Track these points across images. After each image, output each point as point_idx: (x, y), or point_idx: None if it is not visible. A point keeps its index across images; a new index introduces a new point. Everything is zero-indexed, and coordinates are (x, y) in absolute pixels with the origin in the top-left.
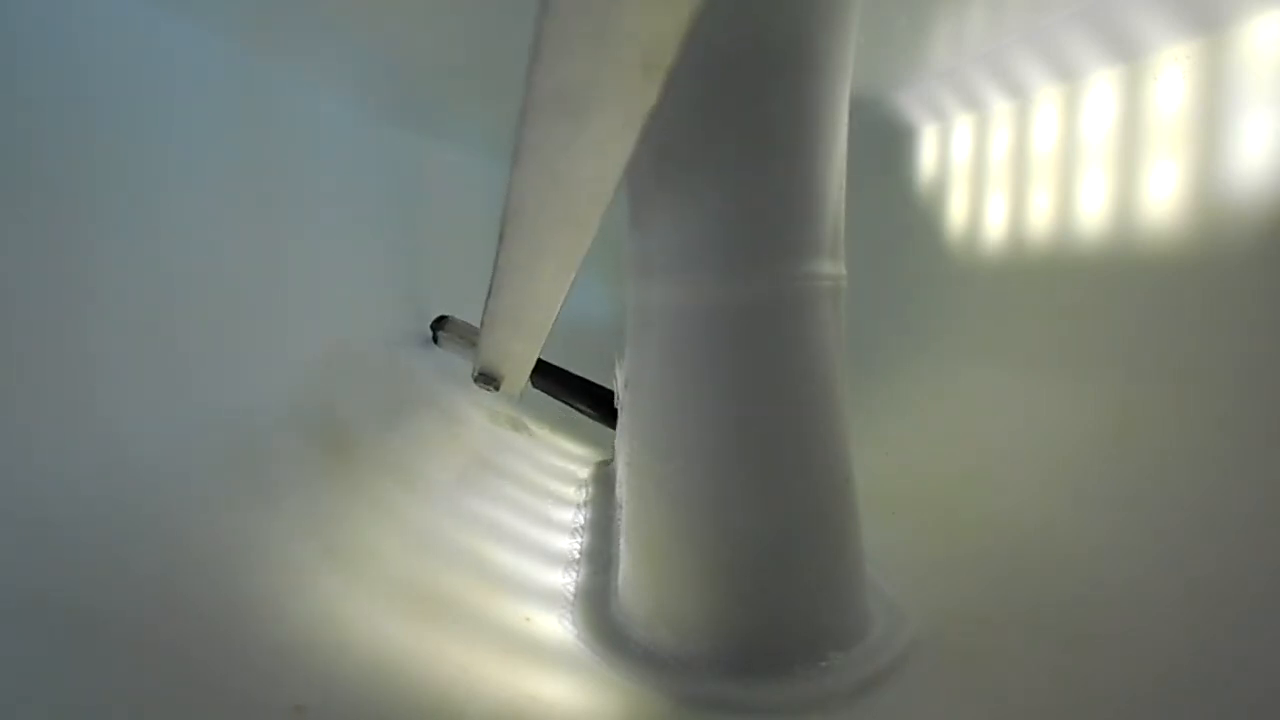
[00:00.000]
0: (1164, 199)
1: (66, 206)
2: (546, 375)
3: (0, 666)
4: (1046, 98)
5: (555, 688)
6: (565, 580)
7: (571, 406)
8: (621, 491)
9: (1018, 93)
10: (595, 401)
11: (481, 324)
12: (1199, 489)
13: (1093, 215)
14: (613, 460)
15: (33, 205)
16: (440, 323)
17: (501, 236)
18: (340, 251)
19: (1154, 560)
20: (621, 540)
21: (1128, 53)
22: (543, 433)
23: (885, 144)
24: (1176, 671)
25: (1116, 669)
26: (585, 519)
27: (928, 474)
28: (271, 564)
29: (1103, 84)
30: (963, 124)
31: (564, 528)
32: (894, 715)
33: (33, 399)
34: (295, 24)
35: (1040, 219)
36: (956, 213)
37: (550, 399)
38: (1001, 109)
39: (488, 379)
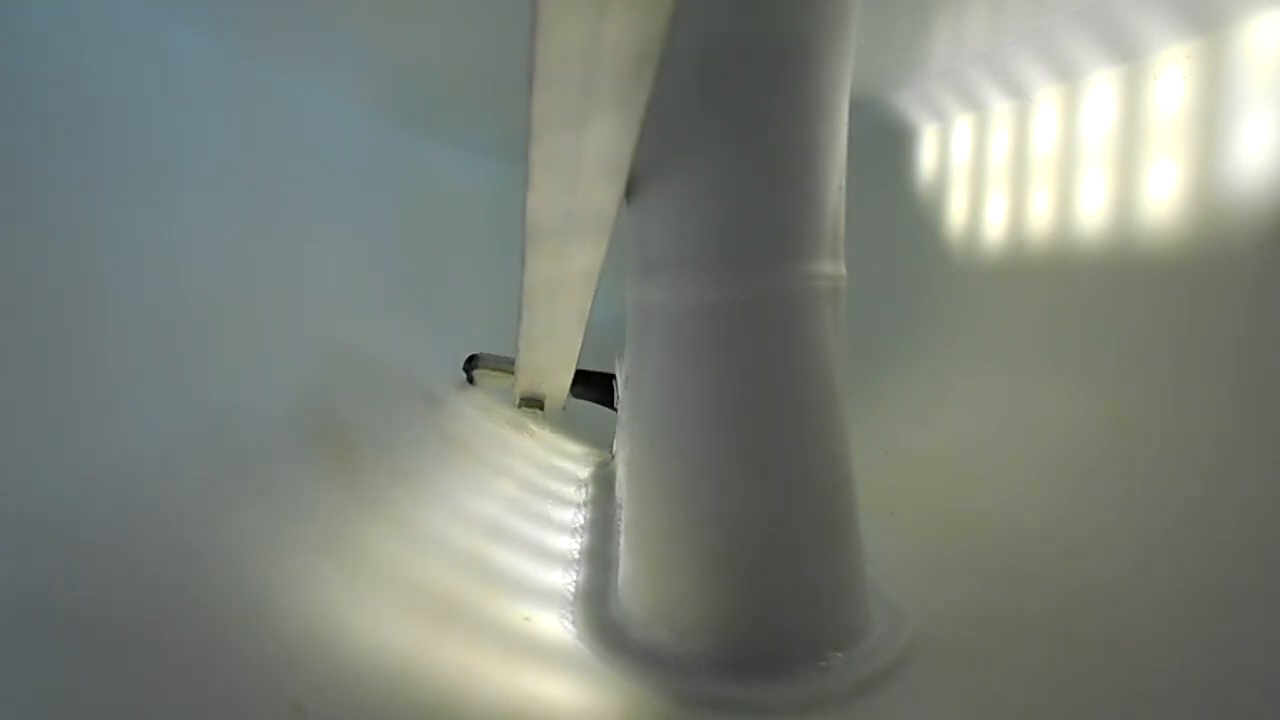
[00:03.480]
0: (1164, 199)
1: (69, 208)
2: (582, 382)
3: (0, 666)
4: (1046, 98)
5: (555, 687)
6: (565, 580)
7: (573, 394)
8: (621, 491)
9: (1018, 93)
10: (595, 389)
11: (517, 349)
12: (1198, 489)
13: (1092, 215)
14: (613, 460)
15: (35, 206)
16: (472, 361)
17: (524, 261)
18: (342, 252)
19: (1153, 560)
20: (621, 540)
21: (1128, 53)
22: (543, 433)
23: (885, 144)
24: (1176, 671)
25: (1116, 669)
26: (585, 519)
27: (927, 474)
28: (271, 564)
29: (1103, 84)
30: (963, 124)
31: (564, 528)
32: (894, 715)
33: (34, 399)
34: (298, 28)
35: (1040, 219)
36: (956, 213)
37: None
38: (1001, 109)
39: (531, 401)
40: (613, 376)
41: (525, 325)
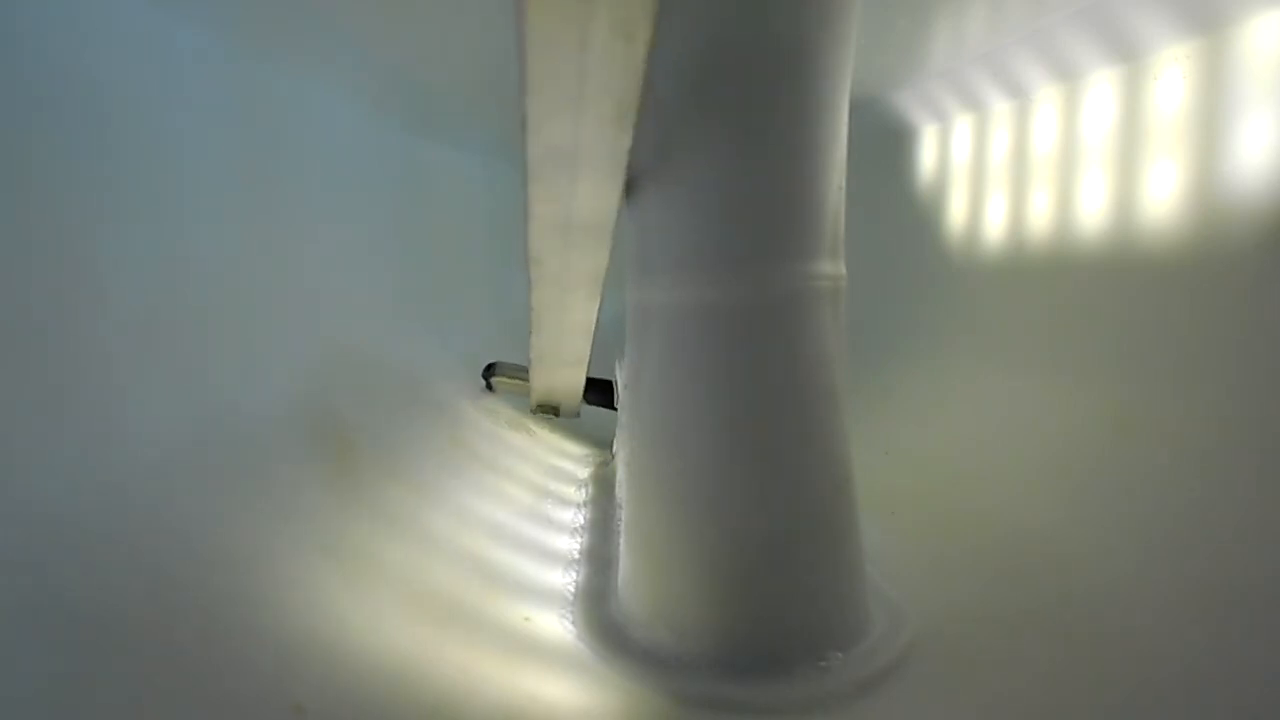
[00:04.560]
0: (1163, 199)
1: (69, 208)
2: (592, 390)
3: (1, 666)
4: (1046, 98)
5: (555, 687)
6: (565, 580)
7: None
8: (621, 491)
9: (1018, 93)
10: (596, 393)
11: (530, 362)
12: (1198, 489)
13: (1092, 215)
14: (613, 460)
15: (35, 206)
16: (490, 370)
17: (530, 283)
18: (342, 252)
19: (1153, 559)
20: (621, 540)
21: (1128, 53)
22: (543, 433)
23: (885, 144)
24: (1175, 670)
25: (1116, 669)
26: (585, 519)
27: (927, 474)
28: (271, 564)
29: (1103, 84)
30: (963, 124)
31: (564, 528)
32: (894, 715)
33: (35, 399)
34: (298, 28)
35: (1040, 219)
36: (956, 213)
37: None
38: (1001, 109)
39: (546, 408)
40: (612, 382)
41: (535, 342)
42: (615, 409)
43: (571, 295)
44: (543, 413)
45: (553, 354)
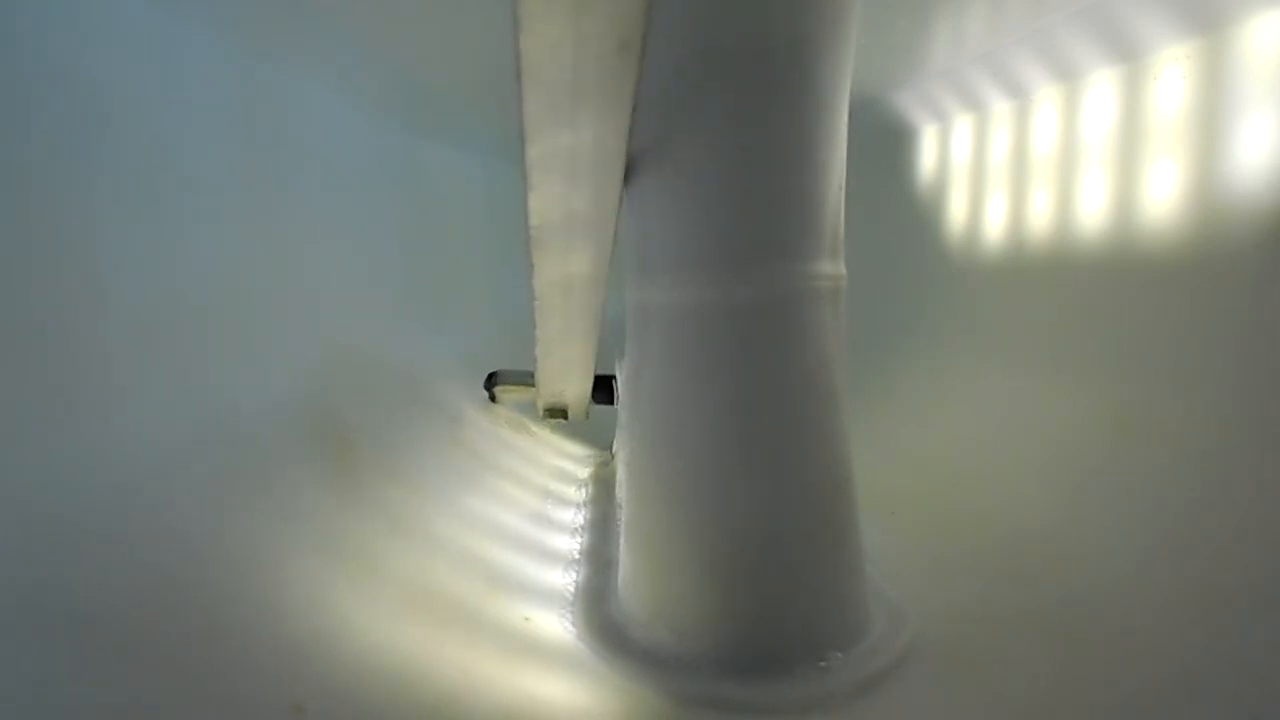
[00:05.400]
0: (1163, 199)
1: (69, 208)
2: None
3: (1, 665)
4: (1046, 98)
5: (555, 687)
6: (565, 580)
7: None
8: (621, 491)
9: (1018, 93)
10: (596, 389)
11: (536, 363)
12: (1197, 488)
13: (1092, 215)
14: (613, 460)
15: (35, 207)
16: (492, 379)
17: (532, 265)
18: (341, 252)
19: (1153, 559)
20: (621, 540)
21: (1128, 53)
22: (543, 433)
23: (885, 144)
24: (1175, 670)
25: (1116, 668)
26: (585, 519)
27: (927, 474)
28: (272, 564)
29: (1103, 84)
30: (963, 124)
31: (564, 528)
32: (894, 715)
33: (35, 399)
34: (299, 28)
35: (1040, 219)
36: (956, 213)
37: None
38: (1001, 109)
39: (555, 411)
40: (612, 378)
41: (541, 332)
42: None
43: (576, 279)
44: (552, 417)
45: (559, 344)
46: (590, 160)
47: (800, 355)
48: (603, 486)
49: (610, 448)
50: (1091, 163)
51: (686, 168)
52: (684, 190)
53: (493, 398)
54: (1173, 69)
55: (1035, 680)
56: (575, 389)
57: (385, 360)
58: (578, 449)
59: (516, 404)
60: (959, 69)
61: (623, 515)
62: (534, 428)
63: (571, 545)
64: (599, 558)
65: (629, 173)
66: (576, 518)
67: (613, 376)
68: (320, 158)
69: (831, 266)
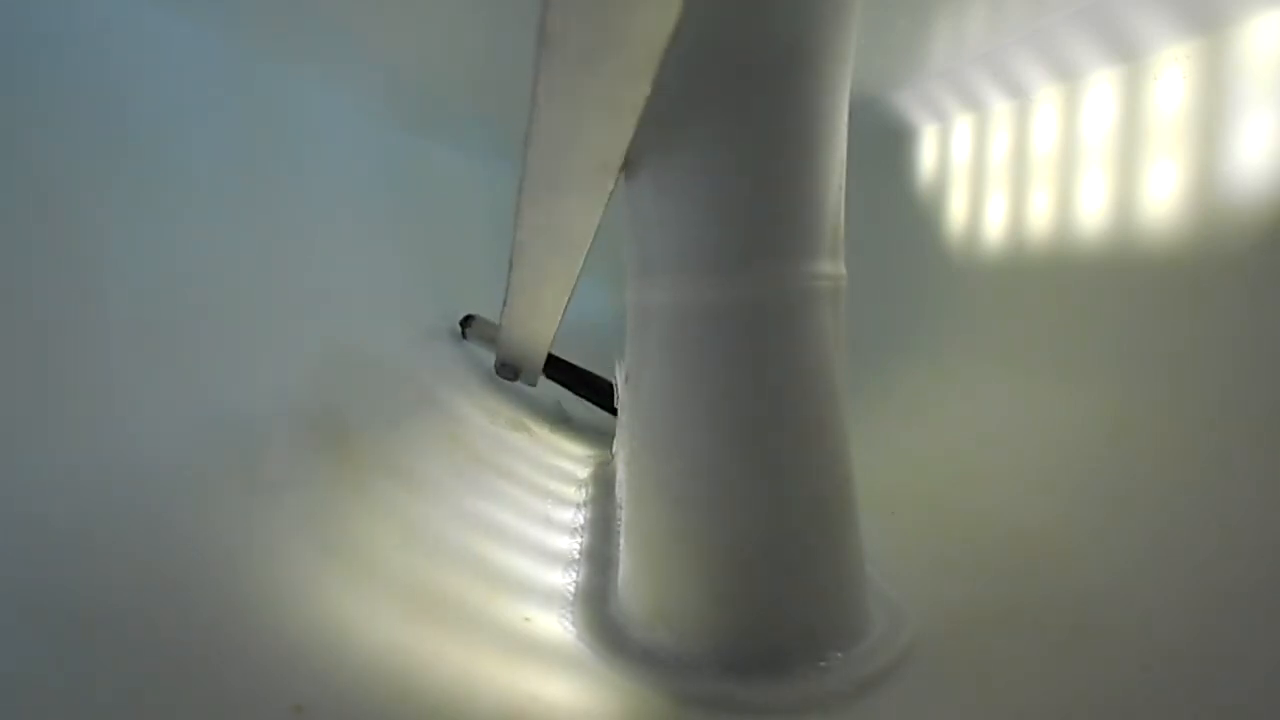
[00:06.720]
0: (1163, 199)
1: (69, 208)
2: (557, 368)
3: (0, 666)
4: (1046, 98)
5: (555, 688)
6: (565, 580)
7: (576, 394)
8: (621, 491)
9: (1018, 93)
10: (596, 392)
11: (499, 328)
12: (1197, 488)
13: (1092, 215)
14: (613, 460)
15: (36, 207)
16: (468, 321)
17: (511, 264)
18: (344, 252)
19: (1153, 559)
20: (621, 540)
21: (1128, 53)
22: (542, 433)
23: (885, 144)
24: (1176, 670)
25: (1116, 668)
26: (585, 519)
27: (928, 474)
28: (272, 564)
29: (1103, 84)
30: (963, 124)
31: (564, 528)
32: (894, 715)
33: (35, 399)
34: (300, 28)
35: (1040, 219)
36: (956, 213)
37: (547, 401)
38: (1001, 109)
39: (506, 370)
40: (612, 383)
41: (506, 311)
42: (614, 412)
43: (544, 284)
44: (503, 374)
45: (520, 327)
46: (570, 220)
47: (800, 355)
48: (603, 486)
49: (610, 448)
50: (1091, 163)
51: (686, 167)
52: (683, 190)
53: (464, 335)
54: (1173, 69)
55: (1035, 680)
56: (532, 352)
57: (385, 360)
58: (578, 449)
59: (483, 343)
60: (959, 69)
61: (623, 515)
62: (534, 427)
63: (571, 545)
64: (599, 558)
65: (629, 173)
66: (576, 518)
67: (612, 383)
68: (320, 158)
69: (831, 266)
